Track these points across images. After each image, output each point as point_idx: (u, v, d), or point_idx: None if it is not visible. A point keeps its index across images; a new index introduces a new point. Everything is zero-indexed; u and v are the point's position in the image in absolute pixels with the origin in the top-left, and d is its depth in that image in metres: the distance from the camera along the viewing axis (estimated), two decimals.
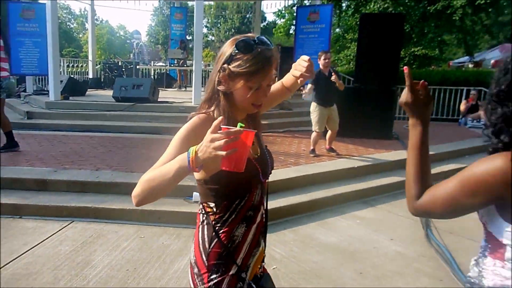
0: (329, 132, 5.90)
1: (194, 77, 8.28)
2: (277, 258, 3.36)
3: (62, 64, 13.20)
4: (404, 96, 1.16)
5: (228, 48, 1.24)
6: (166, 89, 12.06)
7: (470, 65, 16.64)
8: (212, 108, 1.29)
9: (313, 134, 5.76)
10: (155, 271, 3.07)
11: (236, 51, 1.21)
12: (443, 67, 17.49)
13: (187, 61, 12.74)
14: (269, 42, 1.24)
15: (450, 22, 13.60)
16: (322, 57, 5.62)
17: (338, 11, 17.42)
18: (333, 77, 5.36)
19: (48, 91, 9.24)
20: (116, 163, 5.11)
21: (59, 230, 3.72)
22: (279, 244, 3.61)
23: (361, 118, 7.08)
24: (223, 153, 0.99)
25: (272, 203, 4.13)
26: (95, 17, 13.71)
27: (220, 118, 1.04)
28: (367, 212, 4.44)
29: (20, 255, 3.24)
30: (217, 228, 1.30)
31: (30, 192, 4.29)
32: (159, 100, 8.71)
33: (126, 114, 7.81)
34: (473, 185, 0.94)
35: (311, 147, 5.80)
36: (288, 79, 1.52)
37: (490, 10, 13.96)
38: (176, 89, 12.65)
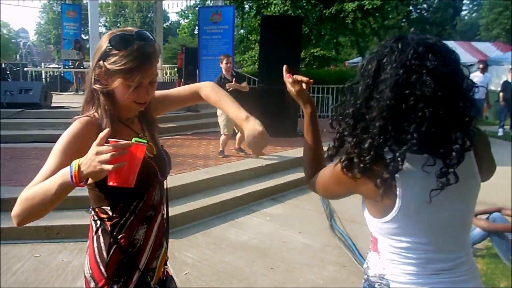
0: (239, 134, 5.96)
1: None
2: (189, 262, 3.31)
3: None
4: (293, 87, 1.33)
5: (103, 43, 1.15)
6: (61, 93, 11.12)
7: None
8: (94, 110, 1.19)
9: (222, 137, 5.78)
10: None
11: (110, 47, 1.12)
12: (340, 67, 18.86)
13: (84, 63, 11.89)
14: (150, 37, 1.17)
15: (344, 25, 14.69)
16: (224, 61, 5.67)
17: (241, 13, 17.75)
18: (232, 85, 5.42)
19: None
20: (3, 177, 4.55)
21: None
22: (191, 248, 3.55)
23: (267, 117, 7.10)
24: (109, 167, 0.93)
25: (183, 207, 4.04)
26: None
27: (107, 130, 0.98)
28: (276, 208, 4.59)
29: None
30: (115, 234, 1.21)
31: None
32: (52, 105, 8.00)
33: (13, 121, 7.01)
34: (338, 177, 1.08)
35: (220, 148, 5.82)
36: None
37: (377, 15, 15.40)
38: (72, 92, 11.73)
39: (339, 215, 4.27)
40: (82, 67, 11.71)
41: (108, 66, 1.13)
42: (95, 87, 1.17)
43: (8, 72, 12.06)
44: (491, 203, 3.49)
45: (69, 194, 3.44)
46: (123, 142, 0.97)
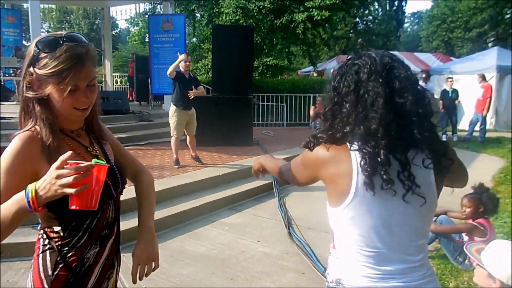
0: (188, 138, 5.88)
1: None
2: (145, 277, 3.20)
3: None
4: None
5: (31, 48, 1.10)
6: (2, 103, 10.44)
7: (315, 74, 18.71)
8: (33, 122, 1.12)
9: (172, 139, 5.67)
10: None
11: (38, 50, 1.07)
12: (293, 76, 19.26)
13: None
14: (82, 39, 1.11)
15: (295, 35, 15.06)
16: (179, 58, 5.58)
17: (192, 21, 17.68)
18: (192, 93, 5.41)
19: None
20: None
21: None
22: None
23: (222, 126, 7.29)
24: (72, 190, 0.90)
25: (137, 221, 3.89)
26: None
27: (69, 153, 0.94)
28: (235, 218, 4.58)
29: None
30: (64, 253, 1.13)
31: None
32: None
33: None
34: (306, 159, 1.21)
35: (174, 156, 5.70)
36: None
37: (326, 25, 15.93)
38: (15, 102, 11.05)
39: (297, 223, 4.33)
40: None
41: (39, 72, 1.07)
42: (27, 95, 1.10)
43: None
44: (438, 206, 3.70)
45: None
46: (84, 164, 0.93)
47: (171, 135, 5.67)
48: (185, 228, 4.20)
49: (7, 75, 11.56)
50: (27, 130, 1.11)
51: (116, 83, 14.79)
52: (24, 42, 13.63)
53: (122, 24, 41.76)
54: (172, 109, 5.65)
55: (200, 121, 5.96)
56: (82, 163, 0.93)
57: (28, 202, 0.93)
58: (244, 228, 4.27)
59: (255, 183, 5.41)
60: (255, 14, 14.16)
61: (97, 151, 1.25)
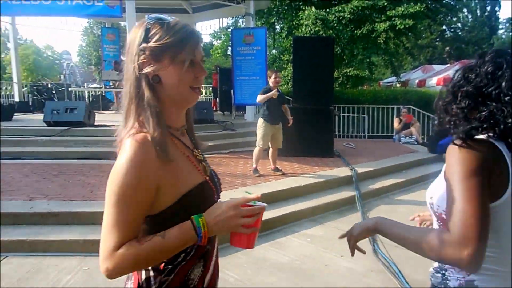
0: (270, 150, 6.00)
1: None
2: (231, 281, 3.31)
3: None
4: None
5: (137, 30, 1.00)
6: (103, 111, 11.60)
7: (398, 85, 17.98)
8: (135, 117, 0.99)
9: (256, 149, 5.84)
10: None
11: (152, 23, 0.99)
12: (374, 87, 18.72)
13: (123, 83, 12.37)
14: None
15: (376, 45, 14.65)
16: (273, 76, 5.78)
17: (272, 33, 18.04)
18: (290, 122, 5.98)
19: None
20: (52, 191, 4.76)
21: None
22: (232, 267, 3.55)
23: (303, 137, 7.31)
24: (248, 231, 0.92)
25: None
26: (18, 37, 12.86)
27: (259, 195, 0.96)
28: (317, 230, 4.54)
29: None
30: (167, 271, 1.01)
31: None
32: (95, 123, 8.33)
33: (60, 139, 7.35)
34: (471, 167, 0.99)
35: (254, 166, 5.85)
36: None
37: (409, 34, 15.27)
38: (113, 111, 12.19)
39: (382, 240, 4.17)
40: (121, 87, 12.17)
41: (153, 45, 0.97)
42: (144, 71, 0.98)
43: (54, 92, 12.71)
44: None
45: None
46: (258, 206, 0.95)
47: (256, 145, 5.85)
48: (268, 237, 4.26)
49: (107, 86, 12.83)
50: (138, 132, 0.97)
51: (201, 94, 15.57)
52: (121, 57, 14.97)
53: (206, 38, 43.95)
54: (260, 120, 5.84)
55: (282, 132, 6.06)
56: (256, 207, 0.95)
57: (201, 236, 0.92)
58: (327, 241, 4.21)
59: (337, 196, 5.33)
60: (335, 25, 14.03)
61: (202, 156, 1.15)
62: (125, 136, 0.98)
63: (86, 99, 13.92)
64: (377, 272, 3.53)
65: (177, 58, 0.98)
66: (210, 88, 15.77)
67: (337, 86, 15.29)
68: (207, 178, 1.09)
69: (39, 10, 7.82)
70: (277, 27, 18.75)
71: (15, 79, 12.67)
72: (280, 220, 4.55)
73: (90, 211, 4.10)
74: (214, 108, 12.72)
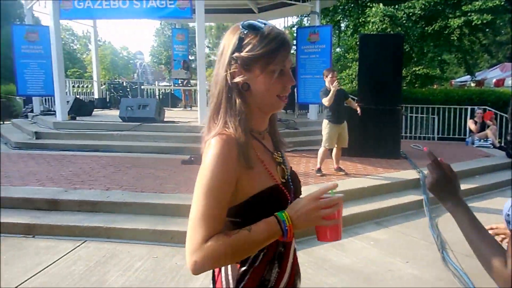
0: (335, 150, 5.92)
1: (199, 96, 8.35)
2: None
3: (67, 84, 13.36)
4: (431, 176, 1.06)
5: (231, 36, 1.04)
6: (171, 108, 12.16)
7: (472, 84, 16.80)
8: (223, 121, 1.03)
9: (321, 150, 5.79)
10: None
11: (245, 32, 1.01)
12: (445, 86, 17.65)
13: (191, 81, 12.89)
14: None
15: (449, 42, 13.80)
16: (330, 75, 5.68)
17: (337, 32, 17.71)
18: (358, 110, 5.98)
19: (55, 111, 9.32)
20: (125, 182, 5.11)
21: (72, 249, 3.70)
22: None
23: (368, 137, 7.12)
24: (330, 222, 0.92)
25: None
26: (98, 38, 13.92)
27: (335, 183, 0.95)
28: (380, 233, 4.41)
29: (35, 274, 3.22)
30: (243, 270, 1.04)
31: (41, 211, 4.29)
32: (165, 120, 8.77)
33: (133, 134, 7.85)
34: None
35: (318, 166, 5.81)
36: None
37: (487, 30, 14.18)
38: (181, 108, 12.74)
39: (452, 248, 3.95)
40: (189, 85, 12.69)
41: (245, 55, 1.00)
42: (236, 81, 1.02)
43: (128, 89, 13.58)
44: None
45: (182, 203, 3.74)
46: (336, 197, 0.94)
47: (322, 145, 5.80)
48: None
49: (176, 85, 13.42)
50: (223, 133, 1.01)
51: None
52: (190, 57, 15.57)
53: None
54: (325, 122, 5.79)
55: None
56: (333, 197, 0.94)
57: (286, 230, 0.93)
58: (391, 245, 4.08)
59: (403, 199, 5.13)
60: (404, 21, 13.44)
61: (282, 158, 1.16)
62: (211, 136, 1.02)
63: (157, 96, 14.68)
64: (446, 281, 3.35)
65: (267, 68, 1.01)
66: None
67: (405, 85, 14.65)
68: (281, 181, 1.09)
69: (117, 14, 8.39)
70: (342, 25, 18.38)
71: (95, 77, 13.74)
72: (343, 221, 4.45)
73: (159, 203, 4.34)
74: None
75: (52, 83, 9.05)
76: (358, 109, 6.04)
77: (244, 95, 1.03)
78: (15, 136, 8.49)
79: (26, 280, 3.12)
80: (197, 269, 0.93)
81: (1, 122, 11.83)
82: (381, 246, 4.06)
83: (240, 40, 1.01)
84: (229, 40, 1.04)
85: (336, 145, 5.88)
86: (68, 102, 9.29)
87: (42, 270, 3.30)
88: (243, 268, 1.03)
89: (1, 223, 4.00)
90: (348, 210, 4.65)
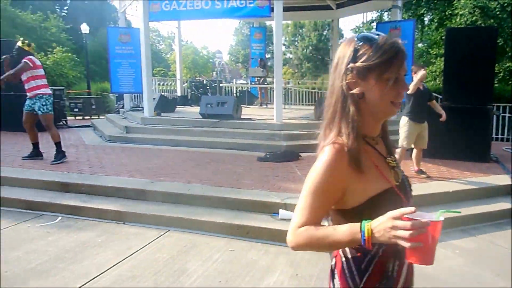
0: (415, 151, 5.61)
1: (275, 94, 8.44)
2: None
3: (153, 82, 14.31)
4: None
5: (346, 48, 1.10)
6: (248, 106, 12.45)
7: None
8: (337, 129, 1.11)
9: (399, 150, 5.51)
10: (246, 285, 3.13)
11: (360, 44, 1.07)
12: None
13: (267, 79, 13.07)
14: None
15: None
16: (421, 71, 5.32)
17: (420, 26, 16.73)
18: (443, 116, 5.64)
19: (142, 107, 10.05)
20: (205, 177, 5.35)
21: (157, 237, 3.98)
22: None
23: (453, 138, 6.65)
24: (407, 244, 0.92)
25: None
26: (181, 39, 14.73)
27: (412, 208, 0.94)
28: (467, 241, 4.10)
29: (125, 258, 3.52)
30: (365, 261, 1.12)
31: (131, 200, 4.67)
32: (242, 117, 9.00)
33: (212, 130, 8.18)
34: None
35: (416, 168, 5.62)
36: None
37: None
38: (257, 106, 12.99)
39: None
40: (265, 83, 12.88)
41: (361, 65, 1.06)
42: (352, 92, 1.09)
43: (208, 87, 14.18)
44: None
45: (258, 199, 3.80)
46: (420, 221, 0.93)
47: (399, 145, 5.54)
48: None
49: (252, 83, 13.70)
50: (337, 142, 1.09)
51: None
52: (266, 55, 15.76)
53: (346, 34, 43.24)
54: (404, 119, 5.52)
55: (428, 130, 5.61)
56: (418, 220, 0.93)
57: (364, 240, 0.98)
58: (479, 255, 3.78)
59: (493, 206, 4.71)
60: (497, 13, 12.27)
61: (395, 162, 1.19)
62: (326, 143, 1.11)
63: (234, 94, 15.12)
64: None
65: (382, 76, 1.06)
66: None
67: (497, 82, 13.39)
68: (396, 185, 1.13)
69: (200, 14, 8.81)
70: (426, 19, 17.32)
71: (178, 76, 14.55)
72: None
73: (236, 198, 4.49)
74: None
75: (141, 81, 9.78)
76: (443, 115, 5.65)
77: (358, 103, 1.10)
78: (108, 129, 9.32)
79: (117, 263, 3.42)
80: (291, 247, 1.10)
81: (97, 117, 13.05)
82: (468, 255, 3.78)
83: (355, 51, 1.08)
84: (344, 52, 1.11)
85: (414, 146, 5.58)
86: (154, 99, 9.96)
87: (132, 254, 3.60)
88: (367, 259, 1.11)
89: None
90: None
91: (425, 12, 16.23)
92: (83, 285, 3.05)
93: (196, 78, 19.38)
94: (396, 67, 1.06)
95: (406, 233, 0.91)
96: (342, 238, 1.01)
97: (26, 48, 6.03)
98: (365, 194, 1.08)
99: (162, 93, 12.80)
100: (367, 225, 0.98)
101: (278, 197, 4.45)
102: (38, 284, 3.06)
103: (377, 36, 1.07)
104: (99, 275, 3.21)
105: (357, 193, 1.08)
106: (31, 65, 5.90)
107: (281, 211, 4.20)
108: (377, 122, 1.16)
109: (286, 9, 8.93)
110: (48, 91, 6.14)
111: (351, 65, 1.07)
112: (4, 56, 6.03)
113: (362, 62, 1.06)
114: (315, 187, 1.08)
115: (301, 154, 6.76)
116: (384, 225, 0.95)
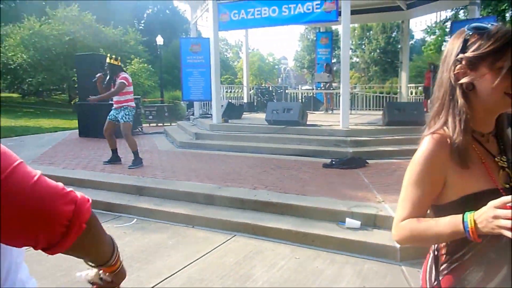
0: None
1: (342, 99, 8.29)
2: None
3: (221, 90, 14.79)
4: None
5: (456, 40, 1.08)
6: (313, 112, 12.36)
7: None
8: (443, 121, 1.09)
9: None
10: None
11: (471, 34, 1.04)
12: None
13: (333, 84, 12.88)
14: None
15: None
16: None
17: (501, 23, 15.47)
18: None
19: (211, 114, 10.41)
20: (270, 183, 5.40)
21: (224, 242, 4.09)
22: None
23: None
24: (509, 234, 0.88)
25: None
26: (248, 46, 15.08)
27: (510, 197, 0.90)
28: None
29: (194, 261, 3.66)
30: (445, 264, 1.11)
31: (200, 205, 4.85)
32: (307, 123, 8.95)
33: (278, 136, 8.23)
34: None
35: None
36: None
37: None
38: (323, 112, 12.84)
39: None
40: (331, 88, 12.70)
41: (472, 55, 1.03)
42: (461, 82, 1.05)
43: (274, 94, 14.34)
44: None
45: (323, 206, 3.74)
46: None
47: None
48: None
49: (318, 88, 13.59)
50: (437, 133, 1.08)
51: (411, 94, 14.73)
52: (332, 60, 15.54)
53: (418, 35, 41.27)
54: None
55: None
56: None
57: (468, 231, 0.95)
58: None
59: None
60: None
61: (506, 163, 1.12)
62: (427, 134, 1.11)
63: (300, 100, 15.11)
64: None
65: (495, 65, 1.01)
66: (419, 88, 14.73)
67: None
68: (504, 187, 1.06)
69: (267, 22, 8.94)
70: (507, 15, 15.99)
71: (245, 83, 14.89)
72: None
73: (302, 205, 4.47)
74: (426, 109, 11.83)
75: (210, 89, 10.15)
76: None
77: (468, 96, 1.06)
78: (179, 136, 9.78)
79: (187, 265, 3.57)
80: (395, 241, 1.13)
81: (169, 124, 13.77)
82: None
83: (465, 41, 1.05)
84: (453, 44, 1.09)
85: None
86: (222, 106, 10.28)
87: (200, 258, 3.73)
88: (449, 260, 1.10)
89: None
90: None
91: (507, 8, 14.99)
92: (156, 285, 3.23)
93: (262, 85, 19.66)
94: (510, 55, 0.99)
95: (509, 223, 0.87)
96: (444, 230, 0.99)
97: (114, 62, 6.57)
98: (461, 191, 1.05)
99: (230, 100, 13.17)
100: (470, 215, 0.95)
101: (344, 205, 4.35)
102: None
103: (489, 25, 1.03)
104: (170, 276, 3.37)
105: (454, 188, 1.06)
106: (127, 84, 6.47)
107: (347, 219, 4.11)
108: (489, 117, 1.10)
109: (353, 12, 8.77)
110: (133, 104, 6.68)
111: (460, 55, 1.05)
112: (98, 74, 6.62)
113: (472, 51, 1.03)
114: (413, 178, 1.08)
115: (368, 161, 6.56)
116: (486, 215, 0.91)
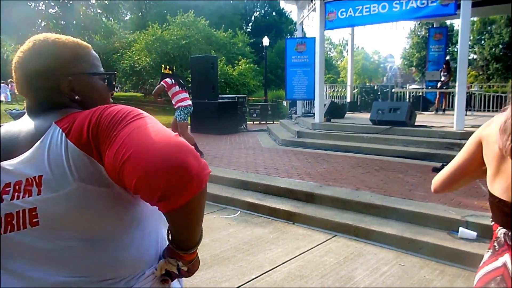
0: None
1: (457, 99, 7.59)
2: None
3: (324, 89, 14.67)
4: None
5: None
6: (422, 112, 11.56)
7: None
8: None
9: None
10: None
11: None
12: None
13: (448, 83, 11.84)
14: None
15: None
16: None
17: None
18: None
19: (313, 113, 10.40)
20: (374, 184, 5.20)
21: (324, 241, 4.07)
22: None
23: None
24: None
25: None
26: (353, 45, 14.68)
27: None
28: None
29: (294, 257, 3.71)
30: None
31: (300, 202, 4.90)
32: (416, 124, 8.40)
33: (382, 137, 7.88)
34: None
35: None
36: None
37: None
38: (433, 112, 11.93)
39: None
40: (444, 87, 11.70)
41: None
42: None
43: (379, 93, 13.75)
44: None
45: (433, 213, 3.53)
46: None
47: None
48: None
49: (429, 87, 12.66)
50: None
51: None
52: (446, 57, 14.31)
53: None
54: None
55: None
56: None
57: None
58: None
59: None
60: None
61: None
62: None
63: (407, 99, 14.24)
64: None
65: None
66: None
67: None
68: None
69: (376, 19, 8.58)
70: None
71: (349, 82, 14.55)
72: None
73: (407, 209, 4.23)
74: None
75: (313, 88, 10.15)
76: None
77: None
78: (281, 134, 9.96)
79: (287, 261, 3.63)
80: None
81: (272, 122, 14.11)
82: None
83: None
84: None
85: None
86: (325, 105, 10.20)
87: (300, 255, 3.77)
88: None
89: None
90: None
91: None
92: (258, 276, 3.36)
93: (367, 84, 18.98)
94: None
95: None
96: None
97: (164, 71, 7.47)
98: None
99: (332, 100, 12.99)
100: None
101: (457, 213, 4.00)
102: (220, 269, 3.50)
103: None
104: (272, 269, 3.47)
105: None
106: (165, 86, 7.20)
107: (461, 229, 3.77)
108: None
109: (474, 4, 7.95)
110: (184, 103, 7.32)
111: None
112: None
113: None
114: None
115: None
116: None
